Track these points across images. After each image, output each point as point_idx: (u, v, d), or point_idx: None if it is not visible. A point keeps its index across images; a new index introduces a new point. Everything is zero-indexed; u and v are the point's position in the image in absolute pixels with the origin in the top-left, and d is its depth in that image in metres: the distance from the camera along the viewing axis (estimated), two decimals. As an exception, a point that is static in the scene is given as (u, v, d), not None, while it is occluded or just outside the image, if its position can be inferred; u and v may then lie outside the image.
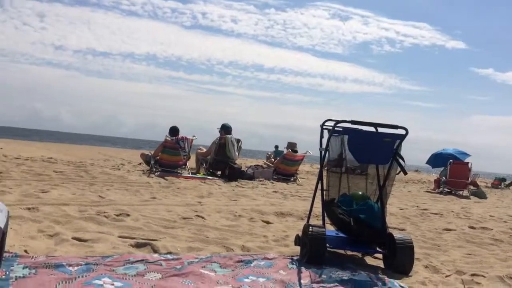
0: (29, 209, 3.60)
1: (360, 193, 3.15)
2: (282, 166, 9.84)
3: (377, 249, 3.00)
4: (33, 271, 2.09)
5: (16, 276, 2.00)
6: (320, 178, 3.11)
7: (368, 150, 2.97)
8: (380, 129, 3.03)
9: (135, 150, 27.81)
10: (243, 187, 7.43)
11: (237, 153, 8.91)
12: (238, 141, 9.01)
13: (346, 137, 3.00)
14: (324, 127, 3.17)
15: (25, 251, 2.45)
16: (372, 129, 3.06)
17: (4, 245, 2.01)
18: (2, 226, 1.96)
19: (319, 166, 3.22)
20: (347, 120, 2.95)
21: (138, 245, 2.86)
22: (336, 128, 3.02)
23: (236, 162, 8.89)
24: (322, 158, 3.11)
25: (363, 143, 2.97)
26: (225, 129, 8.90)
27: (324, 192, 3.17)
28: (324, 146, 3.10)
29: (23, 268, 2.11)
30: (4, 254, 2.13)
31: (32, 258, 2.28)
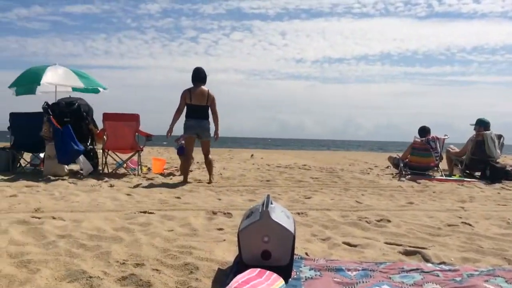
0: (299, 214, 4.00)
1: None
2: (560, 163, 8.18)
3: None
4: (318, 273, 2.29)
5: (305, 277, 2.23)
6: None
7: None
8: None
9: (376, 152, 27.81)
10: (510, 189, 6.49)
11: (498, 151, 7.87)
12: (500, 137, 7.95)
13: None
14: None
15: (306, 253, 2.72)
16: None
17: (294, 248, 2.27)
18: (293, 231, 2.22)
19: None
20: None
21: (408, 253, 2.81)
22: None
23: (498, 160, 7.86)
24: None
25: None
26: (484, 125, 7.99)
27: None
28: None
29: (309, 270, 2.34)
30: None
31: (314, 261, 2.51)
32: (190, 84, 6.33)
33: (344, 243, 3.01)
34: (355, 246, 2.95)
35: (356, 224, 3.61)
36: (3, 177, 6.22)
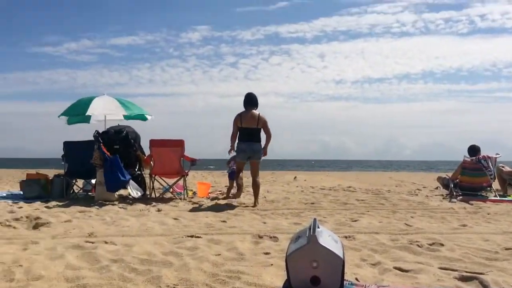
0: (346, 237, 3.92)
1: None
2: None
3: None
4: (370, 299, 2.23)
5: (356, 303, 2.17)
6: None
7: None
8: None
9: (424, 172, 26.95)
10: None
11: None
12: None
13: None
14: None
15: (356, 279, 2.66)
16: None
17: (344, 273, 2.23)
18: (342, 256, 2.19)
19: None
20: None
21: (464, 279, 2.68)
22: None
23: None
24: None
25: None
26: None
27: None
28: None
29: (361, 296, 2.28)
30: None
31: (365, 287, 2.45)
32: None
33: (396, 268, 2.92)
34: (407, 271, 2.86)
35: (407, 248, 3.50)
36: (58, 203, 6.51)
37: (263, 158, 6.57)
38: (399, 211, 5.78)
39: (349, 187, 9.91)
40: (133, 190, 6.96)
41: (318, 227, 2.32)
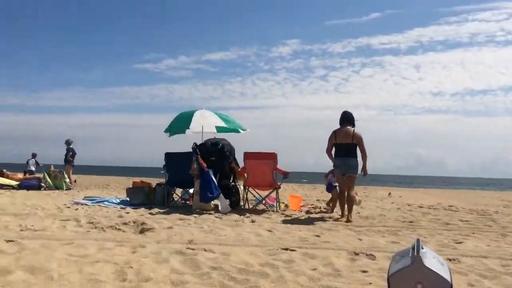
0: (450, 260, 3.68)
1: None
2: None
3: None
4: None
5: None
6: None
7: None
8: None
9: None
10: None
11: None
12: None
13: None
14: None
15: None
16: None
17: (451, 299, 2.10)
18: (449, 280, 2.07)
19: None
20: None
21: None
22: None
23: None
24: None
25: None
26: None
27: None
28: None
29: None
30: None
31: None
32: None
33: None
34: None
35: (521, 275, 3.19)
36: (160, 210, 6.96)
37: (362, 175, 6.48)
38: (510, 235, 5.28)
39: (451, 206, 9.27)
40: (221, 205, 7.07)
41: (422, 248, 2.22)
